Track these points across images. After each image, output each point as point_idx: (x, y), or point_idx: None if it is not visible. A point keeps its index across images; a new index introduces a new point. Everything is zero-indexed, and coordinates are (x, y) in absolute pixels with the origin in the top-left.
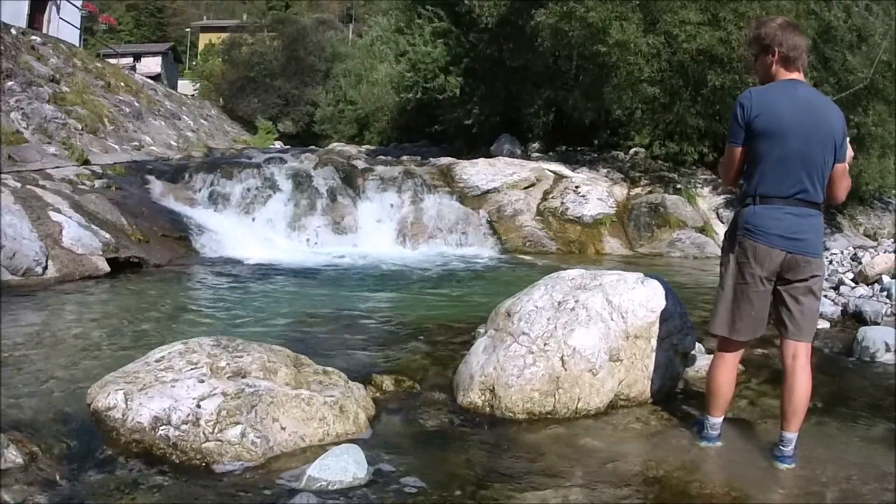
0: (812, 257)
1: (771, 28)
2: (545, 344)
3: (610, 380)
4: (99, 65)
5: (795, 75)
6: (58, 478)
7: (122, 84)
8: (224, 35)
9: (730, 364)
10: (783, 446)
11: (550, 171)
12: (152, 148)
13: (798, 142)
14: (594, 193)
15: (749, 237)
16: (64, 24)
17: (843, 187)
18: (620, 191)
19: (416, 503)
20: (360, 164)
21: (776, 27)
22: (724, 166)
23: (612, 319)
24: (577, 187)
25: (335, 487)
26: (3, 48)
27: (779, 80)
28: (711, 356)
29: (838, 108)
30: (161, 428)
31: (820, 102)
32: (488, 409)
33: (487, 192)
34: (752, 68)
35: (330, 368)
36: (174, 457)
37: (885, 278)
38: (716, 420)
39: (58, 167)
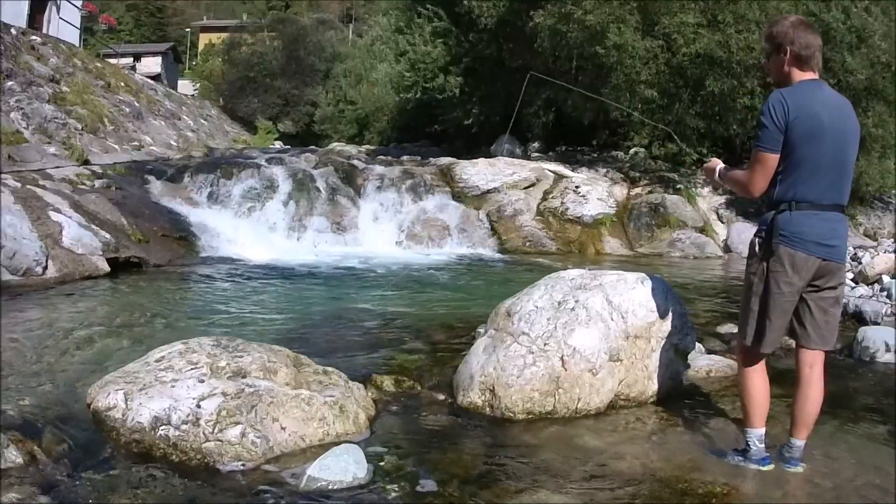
0: (842, 264)
1: (783, 26)
2: (545, 344)
3: (610, 380)
4: (99, 65)
5: (811, 75)
6: (58, 478)
7: (122, 84)
8: (224, 35)
9: (760, 371)
10: (791, 453)
11: (550, 171)
12: (152, 148)
13: (834, 145)
14: (594, 193)
15: (786, 245)
16: (64, 24)
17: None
18: (620, 191)
19: (416, 503)
20: (360, 164)
21: (788, 25)
22: (756, 176)
23: (612, 319)
24: (577, 187)
25: (335, 487)
26: (3, 48)
27: (802, 81)
28: (712, 356)
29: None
30: (161, 428)
31: (844, 104)
32: (488, 409)
33: (487, 192)
34: (767, 69)
35: (330, 368)
36: (174, 457)
37: (885, 278)
38: (760, 431)
39: (58, 167)
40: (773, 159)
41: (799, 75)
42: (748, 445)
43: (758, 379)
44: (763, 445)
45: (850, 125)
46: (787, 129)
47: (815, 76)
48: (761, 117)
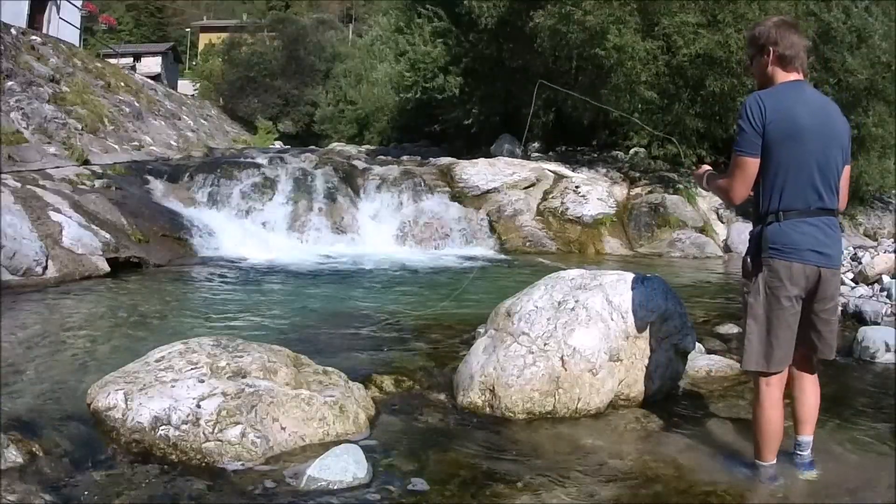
0: (838, 270)
1: (765, 27)
2: (545, 344)
3: (610, 380)
4: (99, 65)
5: (794, 76)
6: (58, 478)
7: (122, 84)
8: (224, 35)
9: (776, 405)
10: (801, 450)
11: (550, 171)
12: (152, 148)
13: (816, 147)
14: (594, 193)
15: (780, 257)
16: (64, 24)
17: (847, 190)
18: (620, 191)
19: (416, 503)
20: (360, 164)
21: (771, 26)
22: (736, 182)
23: (612, 319)
24: (577, 187)
25: (335, 487)
26: (3, 48)
27: (784, 83)
28: (712, 356)
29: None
30: (161, 428)
31: (828, 105)
32: (488, 409)
33: (487, 192)
34: (750, 72)
35: (330, 368)
36: (174, 457)
37: (885, 278)
38: (771, 465)
39: (58, 167)
40: (752, 164)
41: (782, 76)
42: (758, 471)
43: (773, 412)
44: (772, 475)
45: (835, 127)
46: (764, 133)
47: (800, 77)
48: (738, 121)
